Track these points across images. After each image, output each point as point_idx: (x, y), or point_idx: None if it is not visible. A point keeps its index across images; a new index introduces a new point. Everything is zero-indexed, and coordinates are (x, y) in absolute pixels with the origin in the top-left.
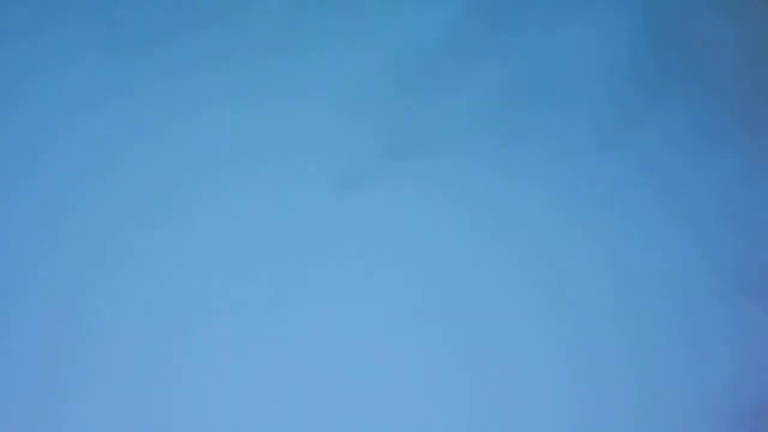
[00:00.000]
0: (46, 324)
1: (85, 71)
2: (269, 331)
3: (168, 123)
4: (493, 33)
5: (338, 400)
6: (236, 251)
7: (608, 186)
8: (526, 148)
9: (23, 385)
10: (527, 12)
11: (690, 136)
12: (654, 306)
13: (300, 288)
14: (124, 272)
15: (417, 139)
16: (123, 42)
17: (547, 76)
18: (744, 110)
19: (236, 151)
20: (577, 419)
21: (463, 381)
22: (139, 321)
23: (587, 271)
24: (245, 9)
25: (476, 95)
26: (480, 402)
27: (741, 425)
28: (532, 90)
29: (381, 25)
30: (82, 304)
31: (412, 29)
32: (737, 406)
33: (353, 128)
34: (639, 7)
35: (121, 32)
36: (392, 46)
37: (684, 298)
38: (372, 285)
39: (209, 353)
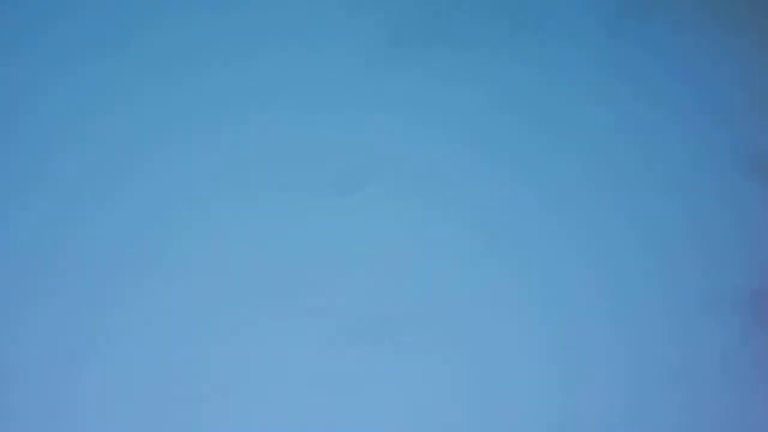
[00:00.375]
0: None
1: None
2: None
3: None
4: None
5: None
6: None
7: (619, 70)
8: (535, 36)
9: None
10: None
11: (703, 21)
12: (672, 182)
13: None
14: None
15: (425, 29)
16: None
17: None
18: None
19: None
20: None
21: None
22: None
23: (603, 146)
24: None
25: None
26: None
27: (748, 310)
28: None
29: None
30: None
31: None
32: (744, 290)
33: (360, 20)
34: None
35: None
36: None
37: (702, 181)
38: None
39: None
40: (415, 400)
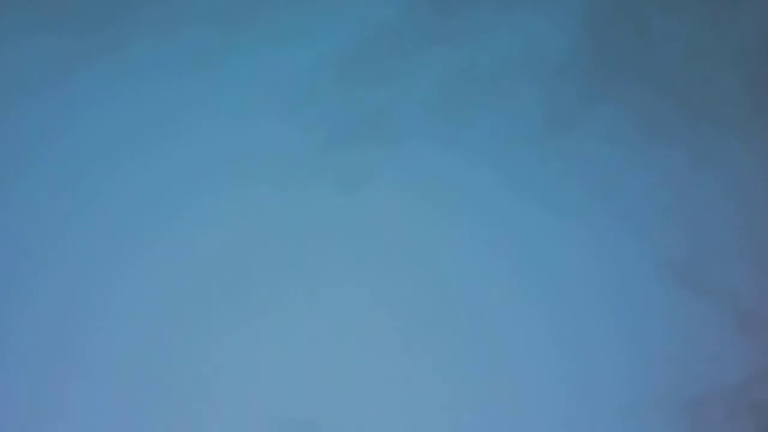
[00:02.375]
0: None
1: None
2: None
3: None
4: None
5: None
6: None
7: (544, 181)
8: (470, 142)
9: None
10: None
11: (631, 130)
12: (590, 303)
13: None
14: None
15: (362, 129)
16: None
17: (491, 71)
18: (685, 103)
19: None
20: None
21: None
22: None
23: (519, 275)
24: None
25: (422, 88)
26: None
27: (681, 418)
28: (476, 85)
29: (324, 14)
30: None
31: (356, 20)
32: (676, 399)
33: (294, 122)
34: (582, 2)
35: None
36: (336, 36)
37: (622, 294)
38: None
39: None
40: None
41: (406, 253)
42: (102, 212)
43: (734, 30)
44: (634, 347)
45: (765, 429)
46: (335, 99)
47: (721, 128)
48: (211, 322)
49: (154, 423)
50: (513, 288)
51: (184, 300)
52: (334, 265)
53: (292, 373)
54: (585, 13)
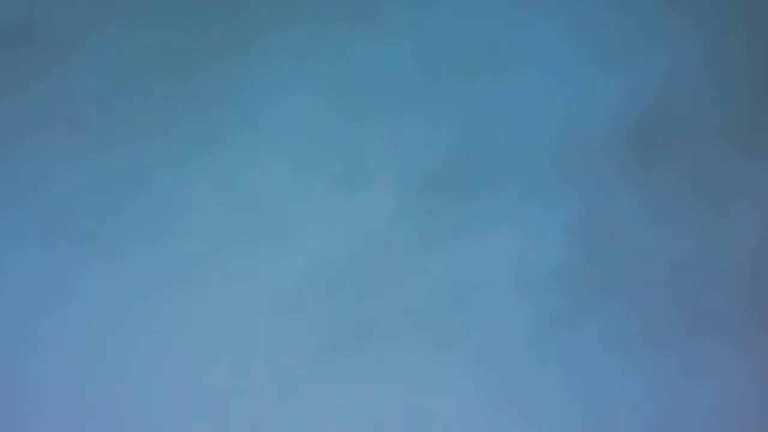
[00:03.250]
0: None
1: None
2: None
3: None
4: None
5: None
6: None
7: (534, 394)
8: (458, 353)
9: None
10: (459, 214)
11: (617, 348)
12: None
13: None
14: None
15: (354, 336)
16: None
17: (479, 282)
18: (675, 319)
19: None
20: None
21: None
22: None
23: None
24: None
25: (410, 299)
26: None
27: None
28: (464, 296)
29: (313, 223)
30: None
31: (345, 229)
32: None
33: (288, 327)
34: (572, 216)
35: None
36: (325, 245)
37: None
38: None
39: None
40: None
41: None
42: None
43: (723, 241)
44: None
45: None
46: (324, 308)
47: (714, 341)
48: None
49: None
50: None
51: None
52: None
53: None
54: (575, 227)
